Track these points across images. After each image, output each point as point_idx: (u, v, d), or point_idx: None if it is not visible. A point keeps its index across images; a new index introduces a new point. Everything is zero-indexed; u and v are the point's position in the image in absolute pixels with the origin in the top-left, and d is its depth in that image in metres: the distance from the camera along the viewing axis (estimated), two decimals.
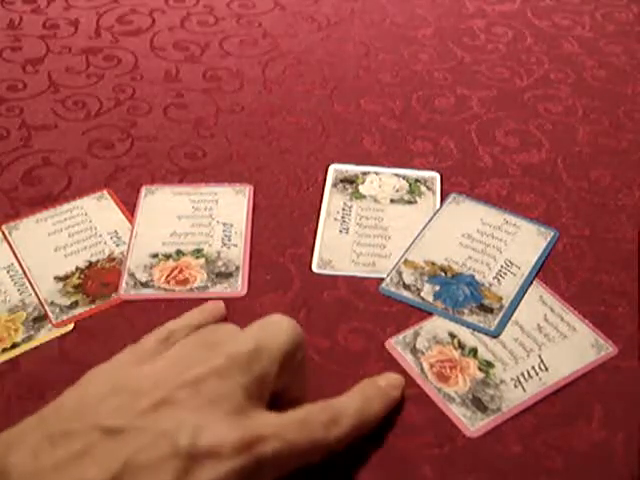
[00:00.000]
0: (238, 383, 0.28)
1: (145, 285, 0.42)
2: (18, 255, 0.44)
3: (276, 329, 0.31)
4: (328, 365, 0.38)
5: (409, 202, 0.48)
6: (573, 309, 0.41)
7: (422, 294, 0.42)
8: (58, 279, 0.43)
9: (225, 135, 0.53)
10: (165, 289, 0.42)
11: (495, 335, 0.40)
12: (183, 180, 0.50)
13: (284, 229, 0.46)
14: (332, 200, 0.48)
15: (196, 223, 0.46)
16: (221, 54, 0.62)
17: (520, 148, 0.53)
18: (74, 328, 0.40)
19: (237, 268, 0.43)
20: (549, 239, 0.45)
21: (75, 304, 0.41)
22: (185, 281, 0.42)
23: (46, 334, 0.40)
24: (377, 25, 0.66)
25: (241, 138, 0.53)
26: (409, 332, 0.40)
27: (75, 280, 0.42)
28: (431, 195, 0.49)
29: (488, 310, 0.41)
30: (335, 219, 0.47)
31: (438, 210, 0.47)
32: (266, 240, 0.45)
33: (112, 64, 0.61)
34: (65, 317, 0.40)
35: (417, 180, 0.50)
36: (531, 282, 0.43)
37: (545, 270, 0.44)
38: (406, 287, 0.42)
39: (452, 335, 0.40)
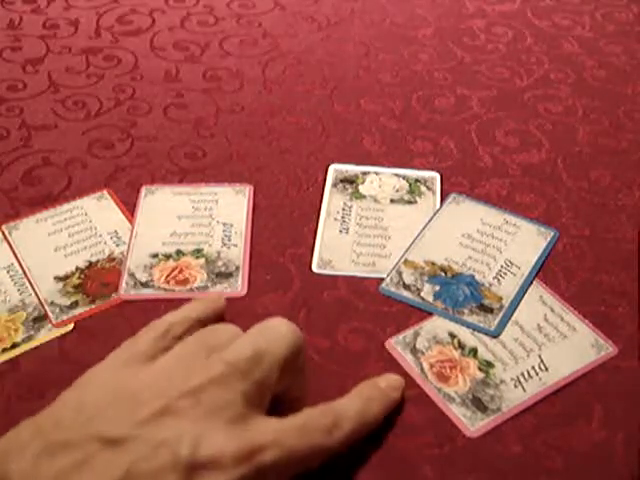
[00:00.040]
0: (238, 390, 0.28)
1: (145, 285, 0.42)
2: (18, 255, 0.44)
3: (276, 333, 0.31)
4: (328, 365, 0.38)
5: (409, 202, 0.48)
6: (573, 309, 0.41)
7: (422, 294, 0.42)
8: (58, 279, 0.43)
9: (225, 135, 0.53)
10: (165, 289, 0.42)
11: (495, 335, 0.40)
12: (183, 180, 0.50)
13: (284, 229, 0.46)
14: (332, 200, 0.48)
15: (196, 223, 0.46)
16: (221, 54, 0.62)
17: (520, 148, 0.53)
18: (74, 328, 0.40)
19: (237, 268, 0.43)
20: (549, 239, 0.45)
21: (75, 304, 0.41)
22: (185, 281, 0.42)
23: (46, 334, 0.40)
24: (377, 25, 0.66)
25: (241, 138, 0.53)
26: (409, 332, 0.40)
27: (75, 280, 0.42)
28: (431, 195, 0.49)
29: (488, 310, 0.41)
30: (335, 219, 0.47)
31: (438, 210, 0.47)
32: (266, 240, 0.45)
33: (112, 64, 0.61)
34: (65, 317, 0.40)
35: (417, 180, 0.50)
36: (531, 282, 0.43)
37: (545, 270, 0.44)
38: (406, 287, 0.42)
39: (452, 335, 0.40)
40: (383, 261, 0.44)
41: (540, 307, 0.41)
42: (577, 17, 0.68)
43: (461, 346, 0.39)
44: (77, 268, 0.43)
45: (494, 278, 0.43)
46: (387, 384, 0.35)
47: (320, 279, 0.43)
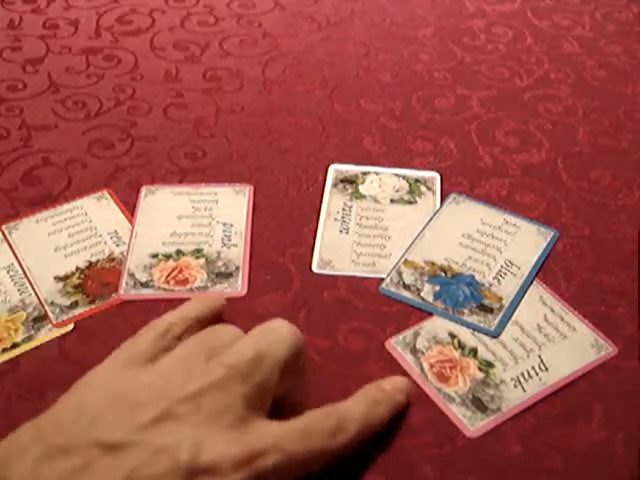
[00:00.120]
0: (238, 393, 0.28)
1: (145, 285, 0.42)
2: (18, 255, 0.44)
3: (276, 335, 0.30)
4: (328, 365, 0.38)
5: (409, 202, 0.48)
6: (573, 309, 0.41)
7: (422, 294, 0.42)
8: (58, 279, 0.43)
9: (225, 135, 0.53)
10: (165, 289, 0.42)
11: (495, 335, 0.40)
12: (183, 180, 0.50)
13: (284, 229, 0.46)
14: (332, 200, 0.48)
15: (196, 223, 0.46)
16: (221, 54, 0.62)
17: (520, 148, 0.53)
18: (74, 328, 0.40)
19: (237, 268, 0.43)
20: (549, 239, 0.45)
21: (75, 304, 0.41)
22: (185, 281, 0.42)
23: (46, 334, 0.40)
24: (377, 25, 0.66)
25: (241, 138, 0.53)
26: (409, 332, 0.40)
27: (75, 280, 0.42)
28: (431, 195, 0.49)
29: (488, 310, 0.41)
30: (335, 219, 0.47)
31: (438, 210, 0.47)
32: (266, 240, 0.45)
33: (112, 64, 0.61)
34: (65, 317, 0.40)
35: (417, 180, 0.50)
36: (531, 282, 0.43)
37: (545, 270, 0.44)
38: (406, 287, 0.42)
39: (452, 335, 0.40)
40: (383, 261, 0.44)
41: (540, 307, 0.41)
42: (577, 17, 0.68)
43: (461, 346, 0.39)
44: (77, 268, 0.43)
45: (494, 278, 0.43)
46: (393, 386, 0.35)
47: (320, 279, 0.43)
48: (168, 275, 0.43)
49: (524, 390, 0.37)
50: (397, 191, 0.49)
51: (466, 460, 0.34)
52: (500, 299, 0.42)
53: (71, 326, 0.40)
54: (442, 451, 0.35)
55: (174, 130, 0.54)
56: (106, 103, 0.56)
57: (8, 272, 0.43)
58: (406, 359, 0.38)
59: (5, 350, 0.39)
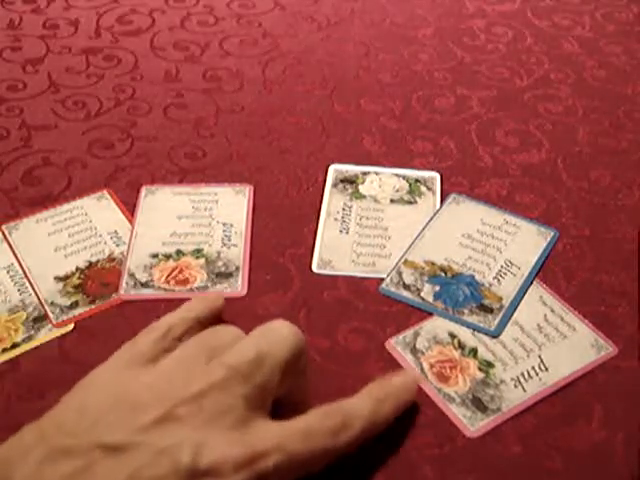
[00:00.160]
0: (239, 394, 0.28)
1: (145, 285, 0.42)
2: (18, 255, 0.44)
3: (277, 336, 0.30)
4: (328, 365, 0.38)
5: (409, 202, 0.48)
6: (573, 309, 0.41)
7: (422, 294, 0.42)
8: (58, 279, 0.43)
9: (225, 135, 0.53)
10: (165, 289, 0.42)
11: (495, 335, 0.40)
12: (183, 180, 0.50)
13: (284, 229, 0.46)
14: (332, 200, 0.48)
15: (196, 223, 0.46)
16: (221, 54, 0.62)
17: (520, 148, 0.53)
18: (74, 328, 0.40)
19: (237, 268, 0.43)
20: (549, 239, 0.45)
21: (75, 304, 0.41)
22: (185, 281, 0.42)
23: (46, 334, 0.40)
24: (377, 25, 0.66)
25: (241, 138, 0.53)
26: (409, 332, 0.40)
27: (75, 280, 0.42)
28: (431, 195, 0.49)
29: (488, 310, 0.41)
30: (335, 219, 0.47)
31: (438, 210, 0.47)
32: (266, 240, 0.45)
33: (112, 64, 0.61)
34: (65, 317, 0.40)
35: (417, 180, 0.50)
36: (531, 282, 0.43)
37: (545, 270, 0.44)
38: (406, 287, 0.42)
39: (452, 335, 0.40)
40: (383, 261, 0.44)
41: (540, 307, 0.41)
42: (577, 17, 0.68)
43: (461, 346, 0.39)
44: (77, 268, 0.43)
45: (494, 278, 0.43)
46: (400, 383, 0.34)
47: (320, 279, 0.43)
48: (168, 275, 0.43)
49: (524, 390, 0.37)
50: (397, 191, 0.49)
51: (466, 460, 0.34)
52: (500, 299, 0.42)
53: (71, 326, 0.40)
54: (442, 451, 0.35)
55: (174, 130, 0.54)
56: (106, 103, 0.56)
57: (8, 272, 0.43)
58: (406, 359, 0.38)
59: (5, 350, 0.39)
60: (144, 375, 0.29)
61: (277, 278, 0.43)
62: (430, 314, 0.41)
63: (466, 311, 0.41)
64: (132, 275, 0.43)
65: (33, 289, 0.42)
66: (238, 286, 0.42)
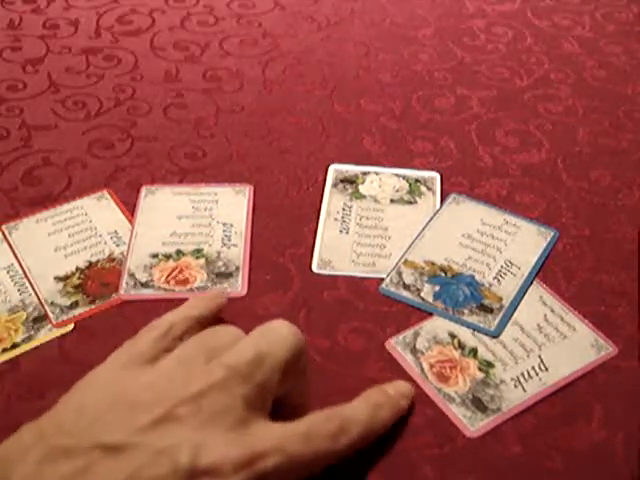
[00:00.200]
0: (239, 394, 0.28)
1: (145, 285, 0.42)
2: (18, 255, 0.44)
3: (277, 336, 0.30)
4: (328, 365, 0.38)
5: (409, 202, 0.48)
6: (573, 309, 0.41)
7: (422, 294, 0.42)
8: (58, 279, 0.43)
9: (225, 135, 0.53)
10: (165, 289, 0.42)
11: (495, 335, 0.40)
12: (183, 180, 0.50)
13: (284, 229, 0.46)
14: (332, 200, 0.48)
15: (196, 223, 0.46)
16: (221, 54, 0.62)
17: (520, 148, 0.53)
18: (74, 328, 0.40)
19: (237, 268, 0.43)
20: (549, 239, 0.45)
21: (75, 304, 0.41)
22: (185, 281, 0.42)
23: (46, 334, 0.40)
24: (377, 25, 0.66)
25: (241, 138, 0.53)
26: (409, 332, 0.40)
27: (75, 280, 0.42)
28: (431, 195, 0.49)
29: (488, 310, 0.41)
30: (335, 219, 0.47)
31: (438, 210, 0.47)
32: (266, 240, 0.45)
33: (112, 64, 0.61)
34: (65, 317, 0.40)
35: (417, 180, 0.50)
36: (531, 282, 0.43)
37: (545, 270, 0.44)
38: (406, 287, 0.42)
39: (452, 335, 0.40)
40: (383, 261, 0.44)
41: (540, 307, 0.41)
42: (577, 17, 0.68)
43: (461, 346, 0.39)
44: (77, 268, 0.43)
45: (494, 278, 0.43)
46: (396, 391, 0.35)
47: (320, 279, 0.43)
48: (168, 275, 0.43)
49: (524, 390, 0.37)
50: (397, 191, 0.49)
51: (466, 460, 0.34)
52: (500, 299, 0.42)
53: (71, 326, 0.40)
54: (442, 451, 0.35)
55: (174, 130, 0.54)
56: (106, 103, 0.56)
57: (8, 272, 0.43)
58: (406, 359, 0.38)
59: (5, 350, 0.39)
60: (143, 375, 0.29)
61: (277, 278, 0.43)
62: (430, 314, 0.41)
63: (466, 311, 0.41)
64: (132, 275, 0.43)
65: (33, 289, 0.42)
66: (238, 286, 0.42)
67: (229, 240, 0.45)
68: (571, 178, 0.50)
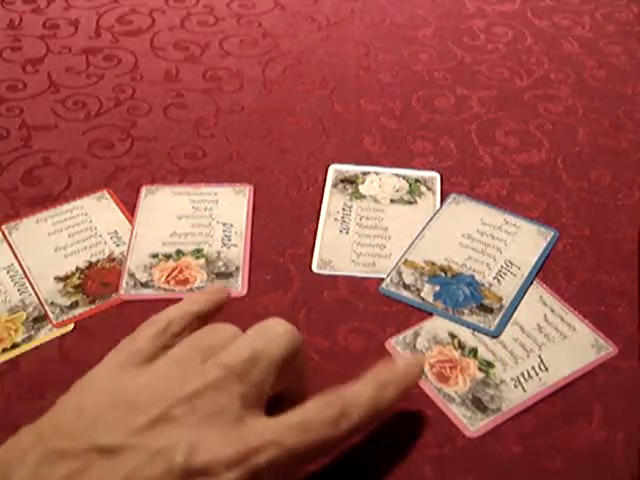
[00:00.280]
0: (235, 393, 0.28)
1: (145, 285, 0.42)
2: (18, 255, 0.44)
3: (273, 334, 0.30)
4: (328, 365, 0.38)
5: (409, 202, 0.48)
6: (573, 309, 0.41)
7: (422, 294, 0.42)
8: (58, 279, 0.43)
9: (225, 135, 0.53)
10: (165, 289, 0.42)
11: (495, 335, 0.40)
12: (183, 180, 0.50)
13: (284, 229, 0.46)
14: (332, 200, 0.48)
15: (196, 223, 0.46)
16: (221, 54, 0.62)
17: (520, 148, 0.53)
18: (74, 328, 0.40)
19: (237, 268, 0.43)
20: (549, 239, 0.45)
21: (75, 304, 0.41)
22: (185, 281, 0.42)
23: (46, 334, 0.40)
24: (377, 25, 0.66)
25: (241, 138, 0.53)
26: (409, 332, 0.40)
27: (75, 280, 0.42)
28: (431, 195, 0.49)
29: (488, 310, 0.41)
30: (335, 219, 0.47)
31: (438, 210, 0.47)
32: (266, 240, 0.45)
33: (112, 64, 0.61)
34: (65, 317, 0.40)
35: (417, 180, 0.50)
36: (531, 282, 0.43)
37: (545, 270, 0.44)
38: (406, 287, 0.42)
39: (452, 335, 0.40)
40: (383, 261, 0.44)
41: (540, 307, 0.41)
42: (577, 17, 0.68)
43: (461, 346, 0.39)
44: (77, 268, 0.43)
45: (494, 278, 0.43)
46: (405, 367, 0.33)
47: (320, 279, 0.43)
48: (168, 275, 0.43)
49: (524, 390, 0.37)
50: (397, 191, 0.49)
51: (466, 460, 0.34)
52: (500, 299, 0.42)
53: (71, 326, 0.40)
54: (442, 451, 0.35)
55: (174, 130, 0.54)
56: (106, 103, 0.56)
57: (8, 272, 0.43)
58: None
59: (5, 350, 0.39)
60: (140, 375, 0.29)
61: (277, 278, 0.43)
62: (430, 314, 0.41)
63: (466, 311, 0.41)
64: (132, 275, 0.43)
65: (33, 289, 0.42)
66: (238, 286, 0.42)
67: (229, 240, 0.45)
68: (571, 178, 0.50)
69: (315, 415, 0.29)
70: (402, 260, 0.44)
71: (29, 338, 0.39)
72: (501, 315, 0.41)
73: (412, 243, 0.45)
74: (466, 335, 0.40)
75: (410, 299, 0.42)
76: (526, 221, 0.47)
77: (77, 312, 0.41)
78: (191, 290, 0.42)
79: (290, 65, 0.61)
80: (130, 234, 0.45)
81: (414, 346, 0.39)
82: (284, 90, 0.58)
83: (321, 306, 0.41)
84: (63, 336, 0.40)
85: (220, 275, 0.43)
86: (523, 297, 0.42)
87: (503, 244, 0.45)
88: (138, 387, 0.28)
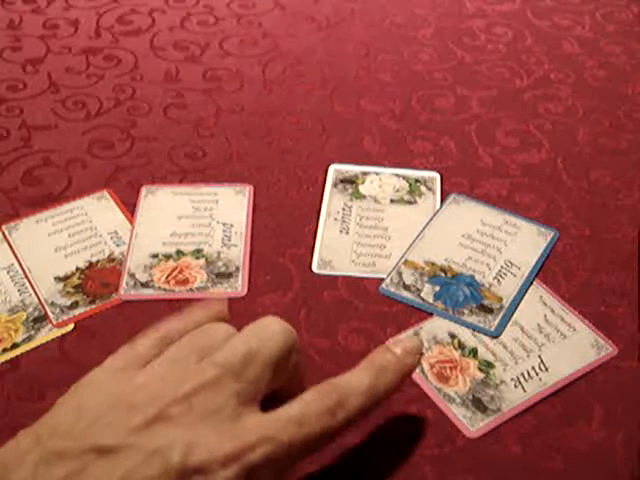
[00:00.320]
0: (231, 391, 0.28)
1: (145, 285, 0.42)
2: (18, 255, 0.44)
3: (268, 332, 0.30)
4: (328, 365, 0.38)
5: (409, 202, 0.48)
6: (573, 309, 0.41)
7: (422, 294, 0.42)
8: (58, 279, 0.43)
9: (225, 135, 0.53)
10: (165, 289, 0.42)
11: (495, 335, 0.40)
12: (183, 180, 0.50)
13: (284, 229, 0.46)
14: (332, 200, 0.48)
15: (196, 223, 0.46)
16: (221, 54, 0.62)
17: (520, 148, 0.53)
18: (74, 328, 0.40)
19: (237, 268, 0.43)
20: (549, 239, 0.45)
21: (75, 304, 0.41)
22: (185, 281, 0.42)
23: (46, 334, 0.40)
24: (377, 25, 0.66)
25: (241, 138, 0.53)
26: (409, 332, 0.40)
27: (75, 280, 0.42)
28: (431, 195, 0.49)
29: (488, 310, 0.41)
30: (335, 219, 0.47)
31: (438, 210, 0.47)
32: (266, 240, 0.45)
33: (112, 64, 0.61)
34: (65, 317, 0.40)
35: (417, 180, 0.50)
36: (531, 282, 0.43)
37: (545, 270, 0.44)
38: (406, 287, 0.42)
39: (452, 335, 0.40)
40: (383, 261, 0.44)
41: (540, 307, 0.41)
42: (577, 17, 0.68)
43: (461, 346, 0.39)
44: (77, 268, 0.43)
45: (494, 278, 0.43)
46: (403, 349, 0.32)
47: (320, 279, 0.43)
48: (168, 275, 0.43)
49: (524, 390, 0.37)
50: (397, 191, 0.49)
51: (466, 460, 0.34)
52: (500, 299, 0.42)
53: (71, 326, 0.40)
54: (442, 451, 0.35)
55: (174, 130, 0.54)
56: (106, 103, 0.56)
57: (8, 272, 0.43)
58: None
59: (5, 350, 0.39)
60: (138, 376, 0.29)
61: (277, 278, 0.43)
62: (430, 314, 0.41)
63: (466, 311, 0.41)
64: (132, 275, 0.43)
65: (33, 289, 0.42)
66: (238, 286, 0.42)
67: (229, 240, 0.45)
68: (571, 178, 0.50)
69: (311, 407, 0.29)
70: (402, 260, 0.44)
71: (29, 338, 0.39)
72: (501, 315, 0.41)
73: (412, 243, 0.45)
74: (466, 335, 0.40)
75: (410, 299, 0.42)
76: (526, 221, 0.47)
77: (77, 312, 0.41)
78: (191, 290, 0.42)
79: (290, 65, 0.61)
80: (130, 234, 0.45)
81: None
82: (284, 90, 0.58)
83: (321, 306, 0.41)
84: (63, 336, 0.40)
85: (220, 275, 0.43)
86: (523, 297, 0.42)
87: (503, 244, 0.45)
88: (135, 387, 0.28)
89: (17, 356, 0.38)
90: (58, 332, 0.40)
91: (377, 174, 0.50)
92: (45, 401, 0.36)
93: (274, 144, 0.53)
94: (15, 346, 0.39)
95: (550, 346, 0.39)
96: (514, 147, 0.53)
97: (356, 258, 0.44)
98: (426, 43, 0.64)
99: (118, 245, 0.45)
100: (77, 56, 0.62)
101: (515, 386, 0.37)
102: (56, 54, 0.62)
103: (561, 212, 0.47)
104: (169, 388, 0.28)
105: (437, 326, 0.40)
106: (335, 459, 0.31)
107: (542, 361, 0.38)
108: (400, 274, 0.43)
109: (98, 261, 0.44)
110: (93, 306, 0.41)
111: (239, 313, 0.40)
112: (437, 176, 0.50)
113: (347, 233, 0.46)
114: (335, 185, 0.49)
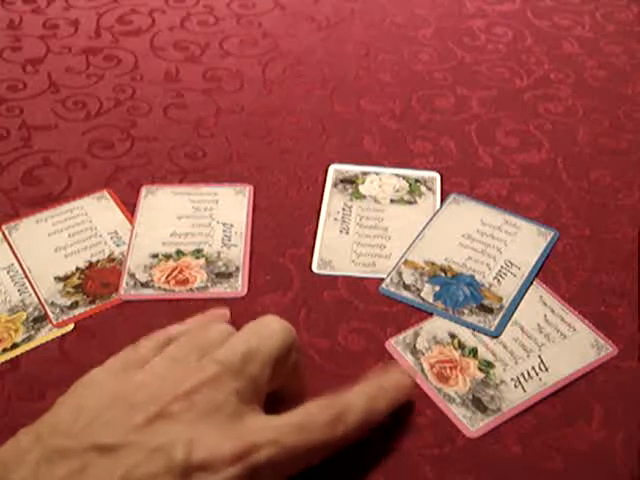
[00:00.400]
0: (231, 389, 0.28)
1: (145, 285, 0.42)
2: (18, 255, 0.44)
3: (268, 331, 0.31)
4: (328, 365, 0.38)
5: (409, 202, 0.48)
6: (573, 309, 0.41)
7: (422, 294, 0.42)
8: (58, 279, 0.43)
9: (225, 135, 0.53)
10: (165, 289, 0.42)
11: (495, 335, 0.40)
12: (183, 180, 0.50)
13: (284, 229, 0.46)
14: (332, 200, 0.48)
15: (196, 223, 0.46)
16: (221, 54, 0.62)
17: (520, 148, 0.53)
18: (74, 328, 0.40)
19: (237, 268, 0.43)
20: (549, 239, 0.45)
21: (75, 304, 0.41)
22: (185, 281, 0.42)
23: (46, 334, 0.40)
24: (377, 25, 0.66)
25: (241, 138, 0.53)
26: (409, 332, 0.40)
27: (75, 280, 0.42)
28: (431, 195, 0.49)
29: (488, 310, 0.41)
30: (335, 219, 0.47)
31: (438, 210, 0.47)
32: (266, 240, 0.45)
33: (112, 64, 0.61)
34: (65, 317, 0.40)
35: (417, 180, 0.50)
36: (531, 282, 0.43)
37: (545, 270, 0.44)
38: (406, 287, 0.42)
39: (452, 335, 0.40)
40: (383, 261, 0.44)
41: (540, 307, 0.41)
42: (577, 17, 0.68)
43: (461, 346, 0.39)
44: (77, 268, 0.43)
45: (494, 278, 0.43)
46: (395, 383, 0.34)
47: (320, 279, 0.43)
48: (168, 275, 0.43)
49: (524, 390, 0.37)
50: (397, 191, 0.49)
51: (466, 460, 0.34)
52: (500, 299, 0.42)
53: (71, 326, 0.40)
54: (442, 451, 0.35)
55: (174, 130, 0.54)
56: (106, 103, 0.56)
57: (8, 272, 0.43)
58: (406, 359, 0.38)
59: (5, 350, 0.39)
60: (138, 375, 0.29)
61: (277, 278, 0.43)
62: (430, 314, 0.41)
63: (466, 311, 0.41)
64: (132, 275, 0.43)
65: (33, 289, 0.42)
66: (238, 286, 0.42)
67: (229, 240, 0.45)
68: (571, 178, 0.50)
69: (314, 417, 0.29)
70: (402, 260, 0.44)
71: (29, 338, 0.39)
72: (501, 315, 0.41)
73: (412, 243, 0.45)
74: (466, 335, 0.40)
75: (410, 299, 0.42)
76: (526, 221, 0.47)
77: (77, 312, 0.41)
78: (191, 290, 0.42)
79: (290, 65, 0.61)
80: (130, 234, 0.45)
81: (414, 346, 0.39)
82: (284, 90, 0.58)
83: (321, 306, 0.41)
84: (63, 336, 0.40)
85: (220, 275, 0.43)
86: (523, 297, 0.42)
87: (503, 244, 0.45)
88: (135, 386, 0.28)
89: (17, 356, 0.38)
90: (58, 332, 0.40)
91: (377, 174, 0.50)
92: (45, 401, 0.36)
93: (274, 144, 0.53)
94: (15, 346, 0.39)
95: (550, 346, 0.39)
96: (514, 147, 0.53)
97: (356, 258, 0.44)
98: (426, 43, 0.64)
99: (118, 245, 0.45)
100: (77, 56, 0.62)
101: (515, 386, 0.37)
102: (56, 54, 0.62)
103: (561, 212, 0.47)
104: (170, 386, 0.28)
105: (437, 326, 0.40)
106: (335, 459, 0.31)
107: (542, 361, 0.38)
108: (400, 274, 0.43)
109: (98, 261, 0.44)
110: (93, 306, 0.41)
111: (239, 313, 0.40)
112: (437, 176, 0.50)
113: (347, 233, 0.46)
114: (335, 185, 0.49)
